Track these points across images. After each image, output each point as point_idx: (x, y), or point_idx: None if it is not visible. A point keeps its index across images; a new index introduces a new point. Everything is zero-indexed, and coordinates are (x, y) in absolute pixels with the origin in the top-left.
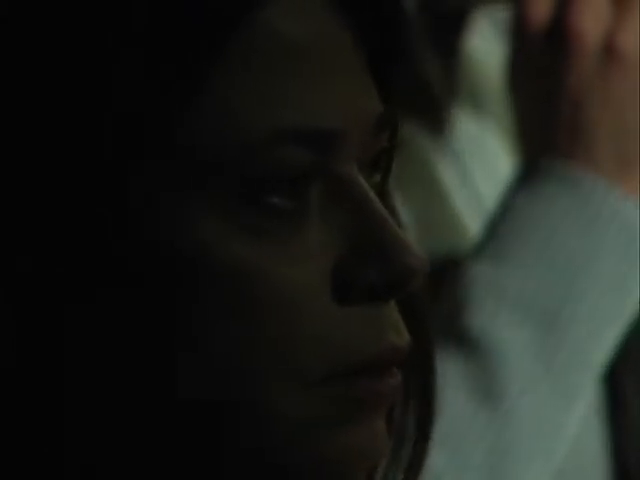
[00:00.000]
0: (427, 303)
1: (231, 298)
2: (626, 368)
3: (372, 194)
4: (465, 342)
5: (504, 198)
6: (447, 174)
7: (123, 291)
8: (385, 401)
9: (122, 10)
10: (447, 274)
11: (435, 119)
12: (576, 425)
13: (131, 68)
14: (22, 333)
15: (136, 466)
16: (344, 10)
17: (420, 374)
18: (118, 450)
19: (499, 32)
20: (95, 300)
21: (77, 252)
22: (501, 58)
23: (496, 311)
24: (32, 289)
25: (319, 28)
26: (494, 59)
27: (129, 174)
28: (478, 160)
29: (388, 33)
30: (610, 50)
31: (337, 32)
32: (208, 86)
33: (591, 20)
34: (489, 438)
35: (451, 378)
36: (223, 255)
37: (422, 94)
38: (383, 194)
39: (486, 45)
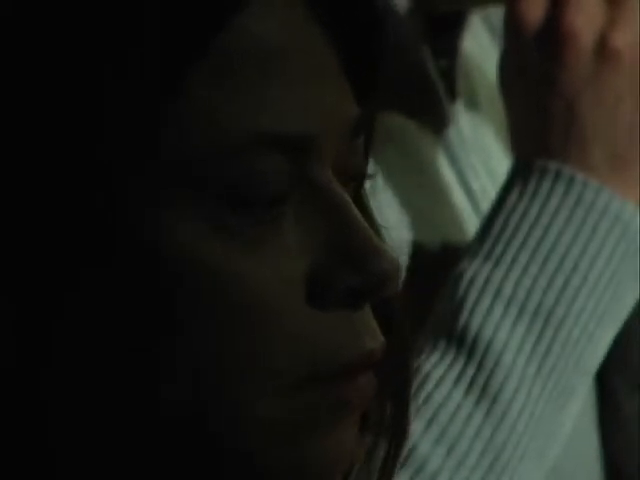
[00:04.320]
0: (403, 305)
1: (208, 300)
2: (619, 368)
3: (348, 199)
4: (461, 341)
5: (497, 197)
6: (445, 172)
7: (108, 288)
8: (360, 405)
9: (102, 16)
10: (445, 272)
11: (434, 118)
12: (570, 424)
13: (111, 71)
14: (16, 328)
15: (121, 463)
16: (321, 14)
17: (395, 376)
18: (102, 449)
19: (493, 32)
20: (81, 297)
21: (64, 251)
22: (495, 58)
23: (491, 310)
24: (23, 283)
25: (296, 32)
26: (489, 59)
27: (113, 173)
28: (476, 158)
29: (365, 36)
30: (603, 49)
31: (314, 36)
32: (187, 89)
33: (584, 20)
34: (484, 437)
35: (446, 377)
36: (200, 256)
37: (421, 93)
38: (358, 198)
39: (480, 45)
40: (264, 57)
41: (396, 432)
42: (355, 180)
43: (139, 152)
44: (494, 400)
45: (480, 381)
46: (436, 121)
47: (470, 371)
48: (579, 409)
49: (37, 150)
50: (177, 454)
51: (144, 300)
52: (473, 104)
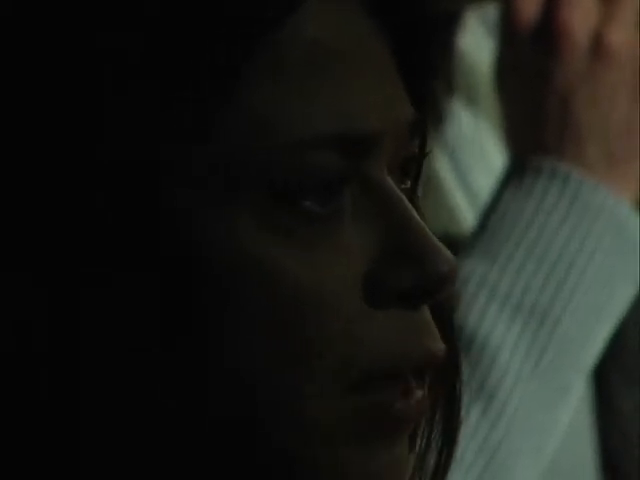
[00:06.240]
0: (455, 309)
1: (263, 300)
2: (615, 366)
3: (404, 198)
4: None
5: (493, 195)
6: (443, 170)
7: (154, 292)
8: (409, 423)
9: (153, 17)
10: None
11: (432, 115)
12: (566, 422)
13: (167, 72)
14: (51, 321)
15: (160, 461)
16: (376, 15)
17: (447, 383)
18: (138, 452)
19: (489, 30)
20: (126, 300)
21: (111, 251)
22: (491, 56)
23: (487, 309)
24: (65, 282)
25: (351, 32)
26: (485, 57)
27: (162, 176)
28: (474, 156)
29: (421, 39)
30: (598, 48)
31: (370, 37)
32: (240, 88)
33: (579, 18)
34: (481, 435)
35: None
36: (255, 256)
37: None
38: (412, 200)
39: (477, 43)
40: (319, 56)
41: (447, 441)
42: (409, 181)
43: (188, 150)
44: (490, 399)
45: (476, 380)
46: (433, 117)
47: (466, 370)
48: (575, 407)
49: (83, 146)
50: (225, 453)
51: (195, 300)
52: (472, 100)
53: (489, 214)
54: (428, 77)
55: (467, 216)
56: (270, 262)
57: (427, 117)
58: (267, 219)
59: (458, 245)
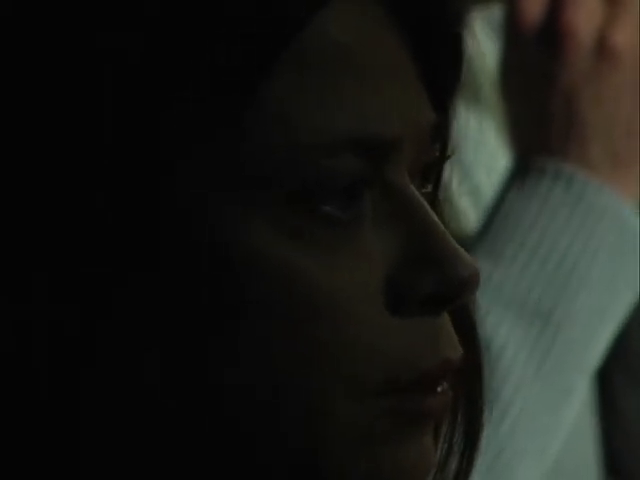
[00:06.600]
0: (476, 313)
1: (282, 305)
2: (618, 367)
3: (425, 203)
4: None
5: (497, 196)
6: (447, 169)
7: (169, 293)
8: (436, 416)
9: (173, 14)
10: None
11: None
12: (569, 423)
13: (188, 70)
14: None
15: (181, 459)
16: (398, 17)
17: (469, 386)
18: (157, 449)
19: (493, 30)
20: (141, 302)
21: (128, 252)
22: (495, 56)
23: (491, 309)
24: (76, 288)
25: (374, 35)
26: (489, 56)
27: (178, 175)
28: (478, 155)
29: (444, 42)
30: (603, 48)
31: (391, 40)
32: (262, 91)
33: (584, 18)
34: (484, 436)
35: None
36: (275, 261)
37: None
38: (433, 204)
39: (481, 43)
40: (342, 58)
41: (469, 444)
42: (430, 185)
43: (207, 151)
44: (495, 399)
45: None
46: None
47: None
48: (579, 408)
49: (101, 150)
50: (245, 459)
51: (211, 304)
52: (475, 100)
53: (493, 214)
54: (449, 80)
55: (471, 216)
56: (289, 266)
57: (448, 121)
58: (285, 223)
59: (462, 245)
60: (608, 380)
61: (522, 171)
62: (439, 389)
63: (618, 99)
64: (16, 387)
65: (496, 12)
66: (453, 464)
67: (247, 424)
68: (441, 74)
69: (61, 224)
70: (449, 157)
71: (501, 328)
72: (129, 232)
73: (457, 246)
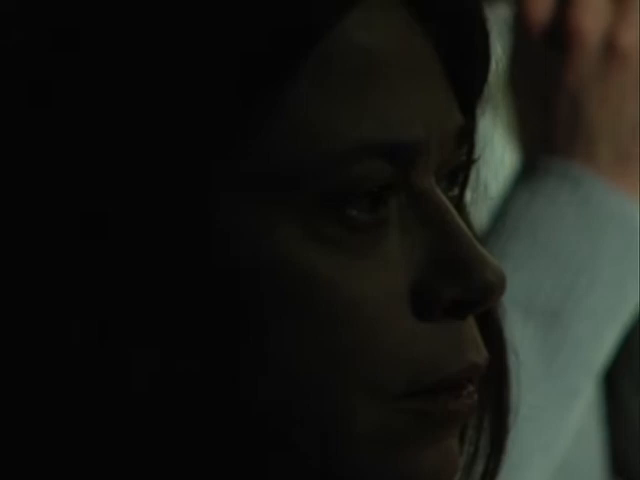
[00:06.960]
0: (503, 317)
1: (309, 309)
2: (625, 368)
3: (451, 208)
4: None
5: (505, 196)
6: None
7: (203, 301)
8: (461, 419)
9: (201, 21)
10: None
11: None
12: (576, 424)
13: (214, 81)
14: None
15: (209, 465)
16: (424, 21)
17: (495, 389)
18: (187, 453)
19: (500, 30)
20: (176, 311)
21: (158, 263)
22: (503, 55)
23: None
24: (116, 304)
25: (398, 38)
26: (497, 57)
27: (212, 187)
28: (485, 155)
29: (469, 45)
30: (610, 48)
31: (417, 44)
32: (288, 97)
33: (591, 18)
34: None
35: None
36: (302, 266)
37: None
38: (460, 208)
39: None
40: (367, 63)
41: (495, 447)
42: (457, 189)
43: (235, 160)
44: None
45: None
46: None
47: None
48: (585, 409)
49: (133, 159)
50: (268, 467)
51: (241, 309)
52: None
53: (501, 214)
54: (476, 82)
55: (477, 215)
56: (315, 271)
57: (474, 124)
58: (312, 228)
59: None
60: (614, 382)
61: (530, 171)
62: (464, 392)
63: (625, 99)
64: (26, 387)
65: (503, 12)
66: (479, 468)
67: (272, 427)
68: (467, 76)
69: (85, 237)
70: (476, 161)
71: (512, 328)
72: (162, 244)
73: (483, 251)
